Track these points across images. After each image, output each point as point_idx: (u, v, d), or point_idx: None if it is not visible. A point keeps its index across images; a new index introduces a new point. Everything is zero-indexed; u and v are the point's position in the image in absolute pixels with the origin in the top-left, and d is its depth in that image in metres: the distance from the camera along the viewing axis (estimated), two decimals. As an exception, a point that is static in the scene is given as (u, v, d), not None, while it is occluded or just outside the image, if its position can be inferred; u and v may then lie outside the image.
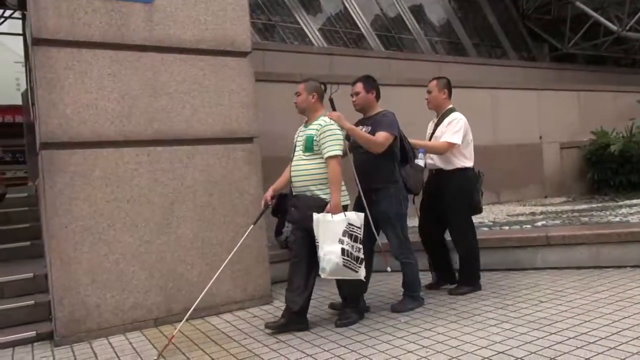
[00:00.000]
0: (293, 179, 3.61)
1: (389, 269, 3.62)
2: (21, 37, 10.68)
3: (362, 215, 3.49)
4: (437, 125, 4.26)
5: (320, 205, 3.46)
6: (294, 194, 3.65)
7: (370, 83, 3.85)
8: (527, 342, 3.00)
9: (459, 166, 4.15)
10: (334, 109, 3.69)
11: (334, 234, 3.33)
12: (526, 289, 4.17)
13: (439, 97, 4.27)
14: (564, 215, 6.50)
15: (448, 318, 3.57)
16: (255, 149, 4.40)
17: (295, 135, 3.72)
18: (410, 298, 3.88)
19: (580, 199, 8.40)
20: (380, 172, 3.73)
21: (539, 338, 3.06)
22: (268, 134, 5.04)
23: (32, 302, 4.04)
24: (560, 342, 2.97)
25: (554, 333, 3.12)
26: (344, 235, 3.33)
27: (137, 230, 3.89)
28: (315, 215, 3.38)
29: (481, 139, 8.23)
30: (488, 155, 8.27)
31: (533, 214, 6.95)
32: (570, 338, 3.03)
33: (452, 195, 4.14)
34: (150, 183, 3.94)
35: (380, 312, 3.85)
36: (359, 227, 3.42)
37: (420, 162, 3.95)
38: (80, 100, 3.73)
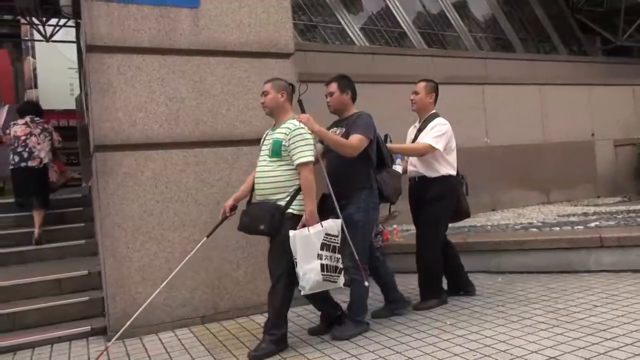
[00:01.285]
0: (257, 186, 3.31)
1: (366, 283, 3.39)
2: (75, 45, 11.18)
3: (339, 221, 3.24)
4: (419, 130, 4.02)
5: (275, 208, 3.16)
6: (251, 201, 3.40)
7: (346, 83, 3.60)
8: (580, 348, 2.90)
9: (443, 173, 3.93)
10: (303, 111, 3.41)
11: (311, 249, 3.08)
12: (579, 292, 4.02)
13: (425, 100, 4.05)
14: (619, 216, 6.22)
15: (496, 321, 3.48)
16: (298, 150, 4.43)
17: (262, 139, 3.48)
18: (352, 322, 3.47)
19: (636, 199, 8.01)
20: (354, 177, 3.45)
21: (593, 344, 2.94)
22: (311, 135, 5.05)
23: (87, 298, 4.22)
24: (617, 349, 2.85)
25: (610, 339, 2.99)
26: (322, 248, 3.10)
27: (184, 229, 4.00)
28: (292, 232, 3.10)
29: (529, 137, 8.02)
30: (536, 154, 8.04)
31: (585, 214, 6.68)
32: (627, 344, 2.89)
33: (430, 202, 3.93)
34: (197, 184, 4.04)
35: (426, 314, 3.80)
36: (336, 236, 3.19)
37: (397, 168, 3.72)
38: (130, 104, 3.86)
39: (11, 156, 5.73)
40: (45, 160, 5.77)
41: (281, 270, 3.21)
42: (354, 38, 8.74)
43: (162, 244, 3.93)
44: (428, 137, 3.88)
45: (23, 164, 5.66)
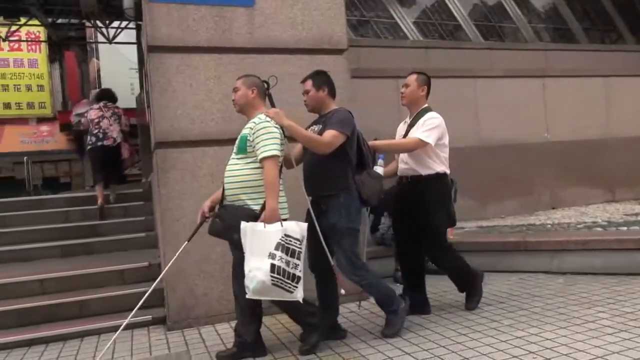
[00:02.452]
0: (225, 185, 3.12)
1: (342, 291, 3.23)
2: (135, 46, 11.65)
3: (304, 225, 2.99)
4: (410, 126, 3.73)
5: (251, 216, 2.95)
6: (223, 203, 3.17)
7: (321, 79, 3.39)
8: (651, 355, 2.74)
9: (438, 170, 3.65)
10: (272, 106, 3.24)
11: (264, 246, 2.81)
12: (648, 295, 3.79)
13: (416, 92, 3.76)
14: (694, 215, 5.82)
15: (557, 323, 3.34)
16: (351, 146, 4.42)
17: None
18: (393, 314, 3.37)
19: None
20: (330, 177, 3.22)
21: (666, 351, 2.77)
22: (363, 130, 5.02)
23: (147, 288, 4.38)
24: (692, 357, 2.67)
25: (684, 346, 2.81)
26: (277, 248, 2.81)
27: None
28: (243, 224, 2.86)
29: (593, 132, 7.64)
30: (600, 150, 7.65)
31: (656, 213, 6.29)
32: None
33: (432, 205, 3.62)
34: (251, 179, 4.11)
35: (481, 314, 3.70)
36: (298, 240, 2.90)
37: (379, 169, 3.42)
38: (188, 102, 3.98)
39: (88, 138, 6.49)
40: (119, 140, 6.49)
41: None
42: (407, 32, 8.62)
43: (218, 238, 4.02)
44: (418, 132, 3.60)
45: (99, 143, 6.39)
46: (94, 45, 15.29)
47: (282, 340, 3.47)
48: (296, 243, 2.90)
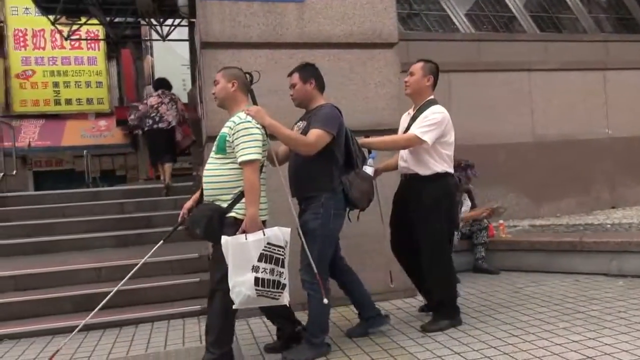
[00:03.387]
0: (203, 186, 2.97)
1: (325, 300, 2.96)
2: (187, 43, 11.95)
3: (287, 230, 2.84)
4: (413, 119, 3.46)
5: (217, 211, 2.82)
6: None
7: (308, 71, 3.21)
8: None
9: (438, 170, 3.37)
10: (254, 103, 3.05)
11: (246, 259, 2.69)
12: None
13: (421, 82, 3.46)
14: None
15: (617, 329, 3.19)
16: (400, 141, 4.36)
17: None
18: (307, 345, 3.07)
19: None
20: (313, 177, 3.05)
21: None
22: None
23: (198, 279, 4.51)
24: None
25: None
26: (260, 259, 2.69)
27: (291, 217, 4.09)
28: (224, 238, 2.72)
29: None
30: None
31: None
32: None
33: (427, 207, 3.37)
34: (300, 174, 4.13)
35: (535, 315, 3.58)
36: (281, 247, 2.78)
37: (368, 169, 3.20)
38: (239, 97, 4.03)
39: (146, 121, 7.03)
40: (173, 123, 7.03)
41: (214, 283, 2.88)
42: (458, 25, 8.39)
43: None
44: (416, 127, 3.33)
45: (155, 126, 7.00)
46: (148, 43, 15.79)
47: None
48: (279, 251, 2.77)
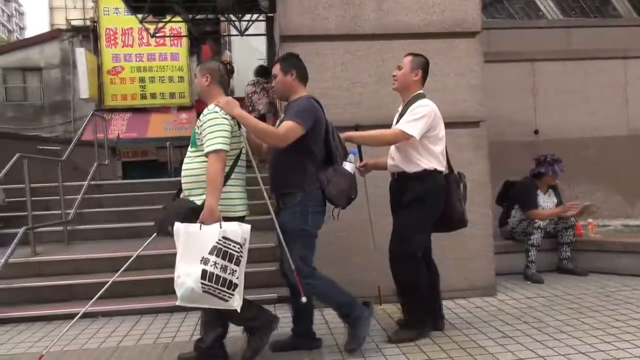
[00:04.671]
0: (182, 180, 2.92)
1: (303, 299, 2.81)
2: (264, 38, 12.21)
3: (247, 227, 2.68)
4: (400, 115, 3.27)
5: (186, 208, 2.72)
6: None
7: (290, 62, 3.06)
8: None
9: (425, 167, 3.16)
10: (225, 94, 2.92)
11: (197, 249, 2.55)
12: None
13: (408, 77, 3.26)
14: None
15: None
16: (482, 134, 4.21)
17: None
18: (355, 323, 2.98)
19: None
20: (290, 174, 2.93)
21: None
22: (495, 117, 4.76)
23: (274, 268, 4.61)
24: None
25: None
26: (212, 252, 2.53)
27: (362, 210, 4.05)
28: (177, 225, 2.60)
29: None
30: None
31: None
32: None
33: (408, 202, 3.17)
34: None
35: (628, 322, 3.33)
36: (238, 244, 2.60)
37: (347, 165, 3.01)
38: (316, 90, 4.01)
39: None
40: (263, 111, 7.13)
41: None
42: (545, 11, 7.94)
43: (339, 223, 4.07)
44: (402, 122, 3.15)
45: None
46: (227, 38, 16.34)
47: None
48: (235, 247, 2.59)
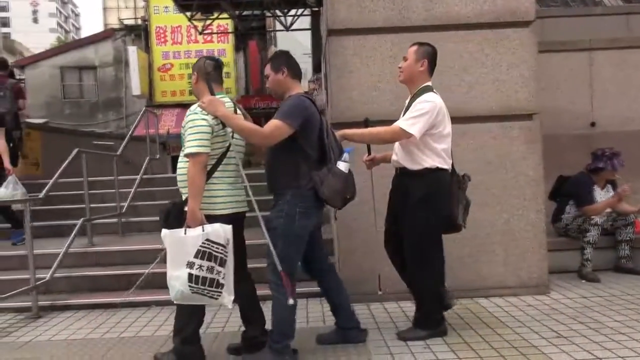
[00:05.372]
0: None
1: (290, 301, 2.75)
2: (309, 32, 12.25)
3: (229, 228, 2.68)
4: (406, 108, 3.15)
5: (176, 204, 2.80)
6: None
7: (280, 60, 2.97)
8: None
9: (427, 165, 3.04)
10: (211, 93, 2.84)
11: (182, 254, 2.62)
12: None
13: (414, 68, 3.13)
14: None
15: None
16: (534, 127, 4.06)
17: None
18: (269, 351, 2.84)
19: None
20: (282, 174, 2.87)
21: None
22: (548, 110, 4.60)
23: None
24: None
25: None
26: (197, 255, 2.59)
27: None
28: (164, 231, 2.69)
29: None
30: None
31: None
32: None
33: (413, 204, 3.07)
34: (424, 161, 4.05)
35: (695, 325, 3.15)
36: (221, 245, 2.64)
37: (342, 165, 2.85)
38: (365, 84, 4.05)
39: None
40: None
41: None
42: (603, -2, 7.58)
43: (384, 217, 4.05)
44: (402, 119, 3.06)
45: None
46: (272, 34, 16.50)
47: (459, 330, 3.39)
48: (219, 248, 2.64)
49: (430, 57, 3.18)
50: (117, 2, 25.62)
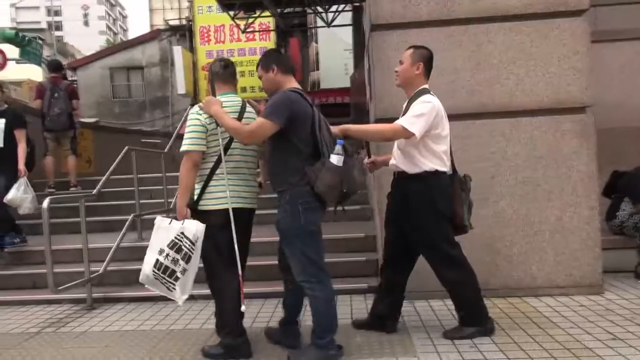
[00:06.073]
0: None
1: (242, 307, 2.87)
2: (349, 28, 12.20)
3: (202, 227, 2.81)
4: (404, 112, 3.09)
5: (190, 206, 2.94)
6: None
7: (269, 59, 2.96)
8: None
9: (426, 168, 3.01)
10: (212, 92, 2.94)
11: (160, 241, 2.84)
12: None
13: (409, 71, 3.11)
14: None
15: None
16: (587, 120, 3.90)
17: None
18: (315, 347, 2.84)
19: None
20: (279, 171, 2.86)
21: None
22: (602, 102, 4.39)
23: (364, 258, 4.64)
24: None
25: None
26: (169, 245, 2.80)
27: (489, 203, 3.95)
28: (158, 218, 2.94)
29: None
30: None
31: None
32: None
33: (416, 207, 3.04)
34: (470, 157, 3.95)
35: None
36: (190, 241, 2.79)
37: (334, 158, 2.73)
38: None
39: None
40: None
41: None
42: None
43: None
44: (403, 118, 3.02)
45: None
46: (313, 30, 16.53)
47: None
48: (188, 244, 2.80)
49: (426, 60, 3.17)
50: (163, 3, 26.32)
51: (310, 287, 2.84)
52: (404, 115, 3.11)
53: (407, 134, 2.97)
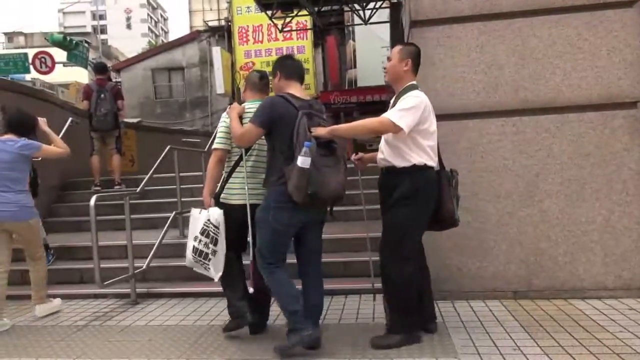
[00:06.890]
0: None
1: (250, 289, 3.25)
2: (387, 25, 12.08)
3: (220, 213, 3.19)
4: (392, 107, 3.06)
5: (216, 196, 3.33)
6: None
7: (275, 65, 3.18)
8: None
9: (415, 162, 2.97)
10: (236, 98, 2.82)
11: (194, 229, 3.26)
12: None
13: (398, 67, 3.12)
14: None
15: None
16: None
17: None
18: (290, 332, 2.99)
19: None
20: (267, 169, 3.10)
21: None
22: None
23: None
24: None
25: None
26: (201, 232, 3.21)
27: (499, 201, 3.89)
28: (193, 210, 3.31)
29: None
30: None
31: None
32: None
33: (398, 202, 2.99)
34: (514, 154, 3.86)
35: None
36: (215, 226, 3.18)
37: (300, 159, 2.74)
38: (449, 75, 3.93)
39: None
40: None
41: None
42: None
43: (474, 213, 3.92)
44: (391, 111, 2.98)
45: None
46: (350, 28, 16.48)
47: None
48: (214, 229, 3.18)
49: (414, 56, 3.17)
50: (202, 4, 26.82)
51: (265, 273, 3.05)
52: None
53: (395, 129, 2.93)
